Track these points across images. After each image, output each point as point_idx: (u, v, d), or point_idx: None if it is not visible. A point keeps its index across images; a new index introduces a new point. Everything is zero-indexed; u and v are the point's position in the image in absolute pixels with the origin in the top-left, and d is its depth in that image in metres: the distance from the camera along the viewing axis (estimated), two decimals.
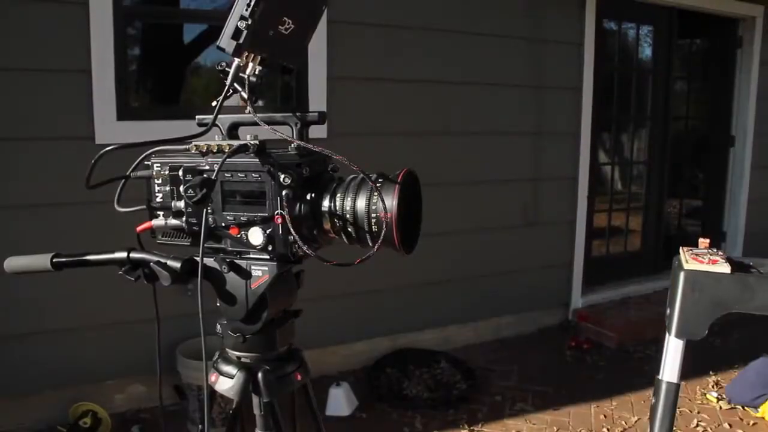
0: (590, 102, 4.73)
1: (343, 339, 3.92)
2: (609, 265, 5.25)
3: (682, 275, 1.09)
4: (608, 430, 3.33)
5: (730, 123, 6.05)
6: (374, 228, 1.19)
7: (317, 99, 3.60)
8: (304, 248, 1.19)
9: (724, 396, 3.75)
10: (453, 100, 4.09)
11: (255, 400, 1.32)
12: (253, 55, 1.17)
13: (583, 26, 4.63)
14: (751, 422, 3.51)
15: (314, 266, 1.23)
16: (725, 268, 1.13)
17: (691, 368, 4.06)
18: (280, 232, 1.21)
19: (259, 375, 1.31)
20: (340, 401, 3.46)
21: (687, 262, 1.16)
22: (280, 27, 1.17)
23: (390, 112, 3.90)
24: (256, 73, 1.19)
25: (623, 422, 3.43)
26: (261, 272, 1.26)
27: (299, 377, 1.41)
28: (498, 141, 4.33)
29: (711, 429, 3.42)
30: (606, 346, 4.43)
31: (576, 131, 4.71)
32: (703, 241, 1.27)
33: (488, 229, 4.37)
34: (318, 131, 3.52)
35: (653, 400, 1.15)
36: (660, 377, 1.13)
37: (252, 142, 1.20)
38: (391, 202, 1.16)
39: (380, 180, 1.20)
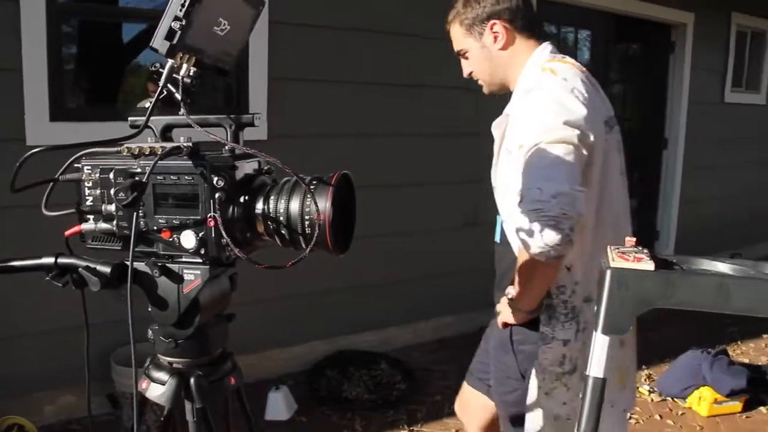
0: None
1: (282, 342, 3.89)
2: None
3: (608, 273, 1.13)
4: None
5: (664, 125, 6.26)
6: (307, 230, 1.19)
7: (258, 100, 3.57)
8: (236, 251, 1.18)
9: (655, 389, 3.87)
10: (396, 101, 4.11)
11: (188, 406, 1.31)
12: (187, 56, 1.15)
13: None
14: (680, 412, 3.64)
15: (251, 269, 1.23)
16: (649, 266, 1.17)
17: None
18: (213, 235, 1.20)
19: (192, 380, 1.30)
20: (279, 405, 3.43)
21: (613, 260, 1.19)
22: (215, 28, 1.17)
23: (332, 113, 3.89)
24: (190, 74, 1.18)
25: None
26: (193, 276, 1.25)
27: (233, 381, 1.40)
28: (440, 142, 4.37)
29: (643, 420, 3.53)
30: None
31: None
32: (630, 240, 1.31)
33: (429, 230, 4.41)
34: (258, 133, 3.50)
35: (581, 395, 1.19)
36: (587, 373, 1.17)
37: (185, 144, 1.19)
38: (324, 204, 1.17)
39: (314, 182, 1.20)
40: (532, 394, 1.75)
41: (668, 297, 1.11)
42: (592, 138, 1.62)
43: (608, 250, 1.15)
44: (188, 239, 1.21)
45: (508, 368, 1.81)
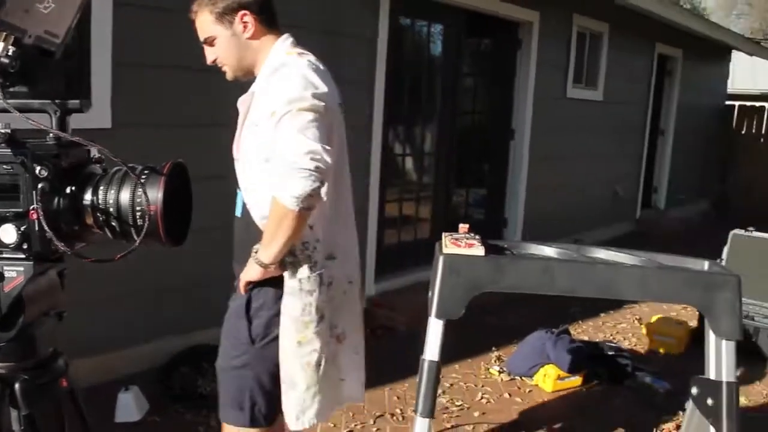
0: (382, 95, 4.87)
1: (131, 341, 3.73)
2: (401, 253, 5.44)
3: (441, 259, 1.17)
4: (401, 410, 3.46)
5: (511, 118, 6.54)
6: (139, 221, 1.14)
7: (101, 86, 3.38)
8: (61, 245, 1.12)
9: (504, 369, 4.05)
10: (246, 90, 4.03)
11: (13, 413, 1.22)
12: (4, 35, 1.07)
13: (377, 22, 4.76)
14: (528, 390, 3.83)
15: (94, 265, 1.16)
16: (480, 251, 1.22)
17: (477, 346, 4.38)
18: (36, 228, 1.13)
19: (17, 386, 1.21)
20: (129, 406, 3.29)
21: (446, 246, 1.23)
22: (37, 5, 1.09)
23: (183, 101, 3.75)
24: (9, 54, 1.10)
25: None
26: (15, 273, 1.17)
27: (65, 383, 1.33)
28: None
29: (494, 400, 3.68)
30: (399, 330, 4.60)
31: (368, 123, 4.83)
32: (463, 227, 1.36)
33: None
34: (101, 120, 3.33)
35: (418, 379, 1.22)
36: (423, 357, 1.20)
37: (2, 131, 1.11)
38: (155, 194, 1.13)
39: (145, 172, 1.16)
40: (285, 344, 1.87)
41: (498, 281, 1.17)
42: (332, 111, 1.90)
43: (443, 236, 1.19)
44: (8, 233, 1.14)
45: (240, 332, 1.92)
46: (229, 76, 2.01)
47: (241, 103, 1.99)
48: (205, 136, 3.86)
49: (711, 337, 1.37)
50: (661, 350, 4.52)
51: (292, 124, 1.74)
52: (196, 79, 3.78)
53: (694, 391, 1.45)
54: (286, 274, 1.86)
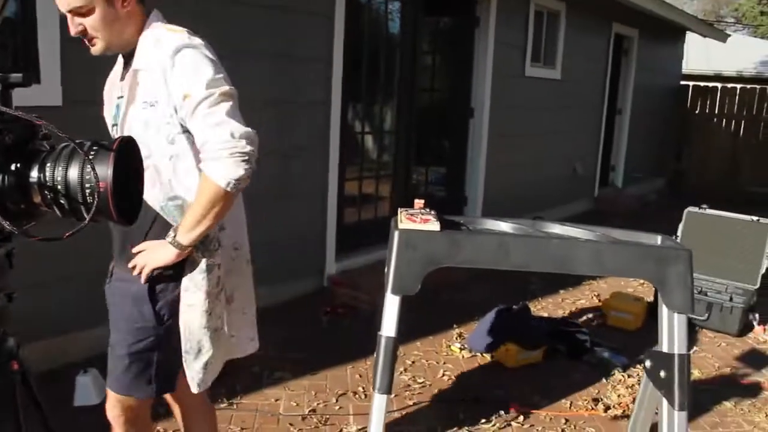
0: (341, 73, 4.83)
1: (89, 323, 3.66)
2: (361, 232, 5.44)
3: (396, 234, 1.16)
4: (363, 388, 3.47)
5: (470, 96, 6.55)
6: (89, 199, 1.11)
7: (50, 63, 3.28)
8: (7, 224, 1.08)
9: (466, 346, 4.09)
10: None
11: None
12: None
13: None
14: (489, 366, 3.87)
15: (51, 244, 1.13)
16: (435, 227, 1.22)
17: (438, 323, 4.41)
18: None
19: None
20: (88, 390, 3.24)
21: (402, 221, 1.23)
22: None
23: None
24: None
25: None
26: None
27: (16, 366, 1.30)
28: (246, 112, 4.27)
29: (454, 376, 3.71)
30: (360, 309, 4.61)
31: (327, 101, 4.79)
32: (418, 202, 1.35)
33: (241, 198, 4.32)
34: (51, 98, 3.24)
35: (375, 355, 1.22)
36: (380, 333, 1.20)
37: None
38: (105, 171, 1.10)
39: (94, 148, 1.12)
40: (193, 317, 1.92)
41: (453, 256, 1.17)
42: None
43: (399, 212, 1.19)
44: None
45: (143, 317, 1.93)
46: (98, 49, 1.89)
47: (123, 80, 1.95)
48: None
49: (664, 311, 1.39)
50: (619, 326, 4.60)
51: (219, 109, 1.78)
52: None
53: (647, 364, 1.47)
54: (197, 254, 1.89)
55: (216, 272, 1.94)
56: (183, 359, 1.96)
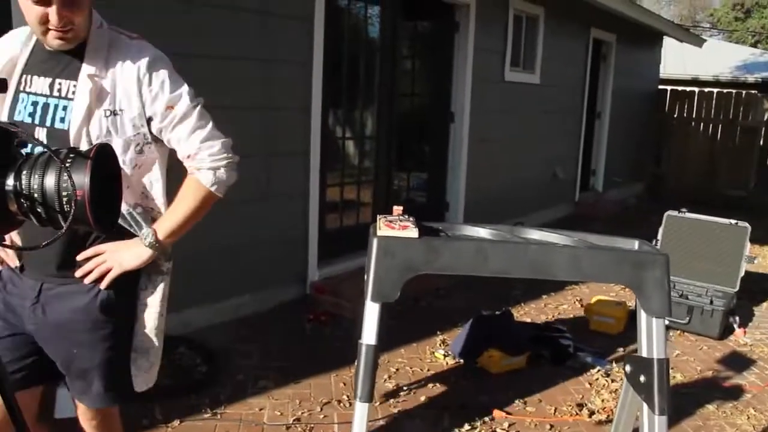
0: (320, 77, 4.81)
1: None
2: (343, 238, 5.40)
3: (375, 241, 1.15)
4: (348, 396, 3.45)
5: (450, 100, 6.56)
6: (66, 207, 1.09)
7: None
8: None
9: (449, 352, 4.08)
10: (180, 71, 3.93)
11: None
12: None
13: (313, 2, 4.70)
14: (473, 372, 3.86)
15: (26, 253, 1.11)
16: (413, 233, 1.21)
17: (422, 330, 4.40)
18: None
19: None
20: (68, 402, 3.18)
21: (380, 228, 1.22)
22: None
23: None
24: None
25: None
26: None
27: None
28: (226, 115, 4.24)
29: (439, 383, 3.70)
30: (343, 316, 4.59)
31: (307, 106, 4.77)
32: (397, 209, 1.34)
33: (220, 206, 4.28)
34: None
35: (356, 363, 1.21)
36: (360, 341, 1.19)
37: None
38: (82, 179, 1.08)
39: (71, 156, 1.11)
40: (151, 320, 1.94)
41: (432, 262, 1.16)
42: None
43: (378, 218, 1.18)
44: None
45: (111, 321, 1.87)
46: (71, 42, 1.73)
47: (85, 86, 1.76)
48: None
49: (642, 316, 1.39)
50: (602, 330, 4.61)
51: (206, 120, 1.89)
52: None
53: (627, 368, 1.48)
54: (163, 257, 1.93)
55: (170, 276, 2.00)
56: (131, 358, 1.95)
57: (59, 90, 1.77)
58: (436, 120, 6.67)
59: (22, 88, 1.77)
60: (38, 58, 1.77)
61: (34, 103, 1.76)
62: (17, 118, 1.77)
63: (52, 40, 1.70)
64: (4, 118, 1.77)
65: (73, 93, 1.76)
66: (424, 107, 6.89)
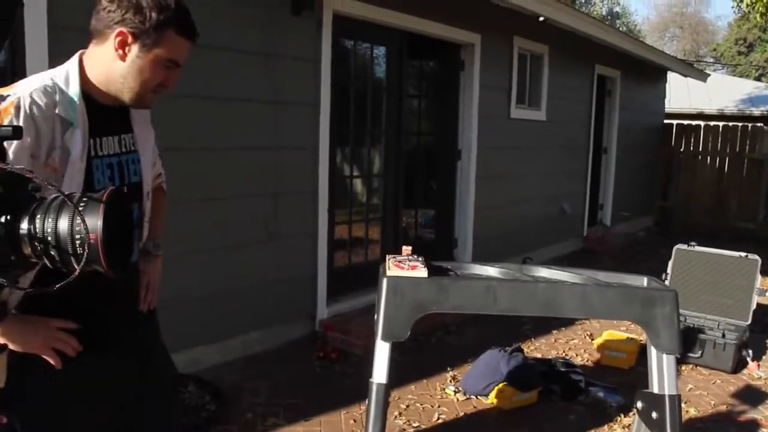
0: (328, 117, 4.88)
1: None
2: (352, 275, 5.42)
3: (384, 282, 1.17)
4: None
5: (457, 138, 6.61)
6: (79, 250, 1.11)
7: None
8: None
9: (460, 388, 4.06)
10: (190, 113, 3.99)
11: None
12: None
13: (320, 44, 4.78)
14: (483, 409, 3.84)
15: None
16: (423, 273, 1.23)
17: (432, 366, 4.38)
18: None
19: None
20: None
21: (390, 269, 1.24)
22: None
23: None
24: None
25: None
26: None
27: (5, 420, 1.28)
28: (237, 156, 4.31)
29: (449, 420, 3.68)
30: (353, 353, 4.58)
31: (315, 145, 4.82)
32: (406, 249, 1.36)
33: (231, 245, 4.32)
34: None
35: (367, 402, 1.21)
36: (371, 379, 1.20)
37: None
38: (95, 222, 1.10)
39: (84, 200, 1.13)
40: None
41: (442, 301, 1.18)
42: None
43: (386, 258, 1.20)
44: None
45: None
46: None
47: (124, 134, 1.79)
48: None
49: (652, 352, 1.39)
50: (613, 364, 4.58)
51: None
52: None
53: (639, 405, 1.47)
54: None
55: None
56: None
57: (125, 145, 1.77)
58: (443, 157, 6.72)
59: (93, 154, 1.67)
60: (97, 119, 1.68)
61: (110, 166, 1.72)
62: (98, 187, 1.65)
63: (152, 101, 1.72)
64: (80, 187, 1.60)
65: (134, 144, 1.78)
66: (431, 145, 6.94)
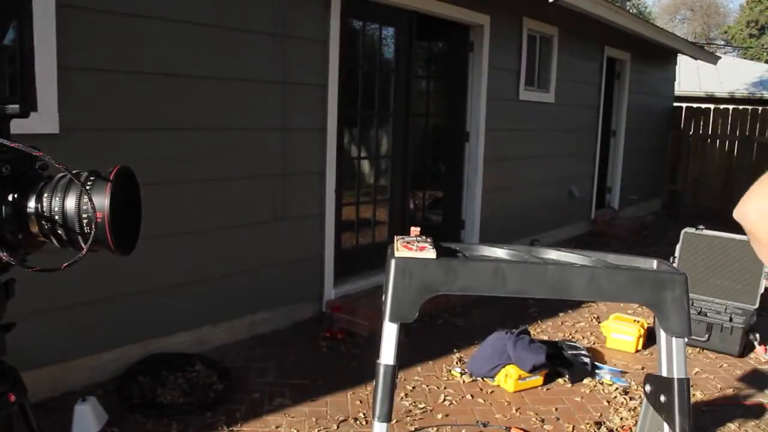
0: (336, 98, 4.86)
1: (88, 350, 3.65)
2: (359, 256, 5.43)
3: (393, 262, 1.17)
4: (364, 414, 3.45)
5: (465, 120, 6.58)
6: (86, 229, 1.11)
7: (47, 91, 3.29)
8: (4, 255, 1.08)
9: (466, 370, 4.07)
10: (200, 95, 3.98)
11: None
12: None
13: (328, 24, 4.75)
14: (490, 390, 3.85)
15: (45, 274, 1.13)
16: (431, 254, 1.22)
17: (438, 348, 4.39)
18: None
19: None
20: (87, 419, 3.20)
21: (398, 249, 1.23)
22: None
23: (135, 106, 3.68)
24: None
25: None
26: None
27: (13, 398, 1.28)
28: (245, 137, 4.30)
29: (456, 401, 3.69)
30: (359, 334, 4.60)
31: (322, 127, 4.81)
32: (414, 230, 1.36)
33: (237, 225, 4.33)
34: (48, 126, 3.25)
35: (374, 383, 1.21)
36: (378, 361, 1.20)
37: None
38: (102, 201, 1.10)
39: (91, 178, 1.12)
40: None
41: (450, 283, 1.18)
42: None
43: (395, 239, 1.20)
44: None
45: None
46: None
47: None
48: (163, 141, 3.81)
49: (662, 335, 1.39)
50: (619, 348, 4.59)
51: None
52: (148, 84, 3.73)
53: (647, 388, 1.47)
54: None
55: None
56: None
57: None
58: (451, 139, 6.70)
59: None
60: None
61: None
62: None
63: None
64: None
65: None
66: (439, 126, 6.91)
